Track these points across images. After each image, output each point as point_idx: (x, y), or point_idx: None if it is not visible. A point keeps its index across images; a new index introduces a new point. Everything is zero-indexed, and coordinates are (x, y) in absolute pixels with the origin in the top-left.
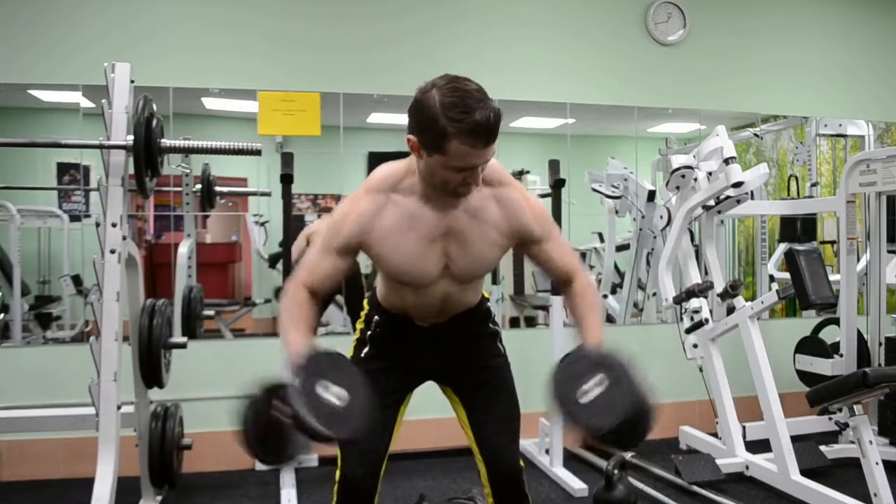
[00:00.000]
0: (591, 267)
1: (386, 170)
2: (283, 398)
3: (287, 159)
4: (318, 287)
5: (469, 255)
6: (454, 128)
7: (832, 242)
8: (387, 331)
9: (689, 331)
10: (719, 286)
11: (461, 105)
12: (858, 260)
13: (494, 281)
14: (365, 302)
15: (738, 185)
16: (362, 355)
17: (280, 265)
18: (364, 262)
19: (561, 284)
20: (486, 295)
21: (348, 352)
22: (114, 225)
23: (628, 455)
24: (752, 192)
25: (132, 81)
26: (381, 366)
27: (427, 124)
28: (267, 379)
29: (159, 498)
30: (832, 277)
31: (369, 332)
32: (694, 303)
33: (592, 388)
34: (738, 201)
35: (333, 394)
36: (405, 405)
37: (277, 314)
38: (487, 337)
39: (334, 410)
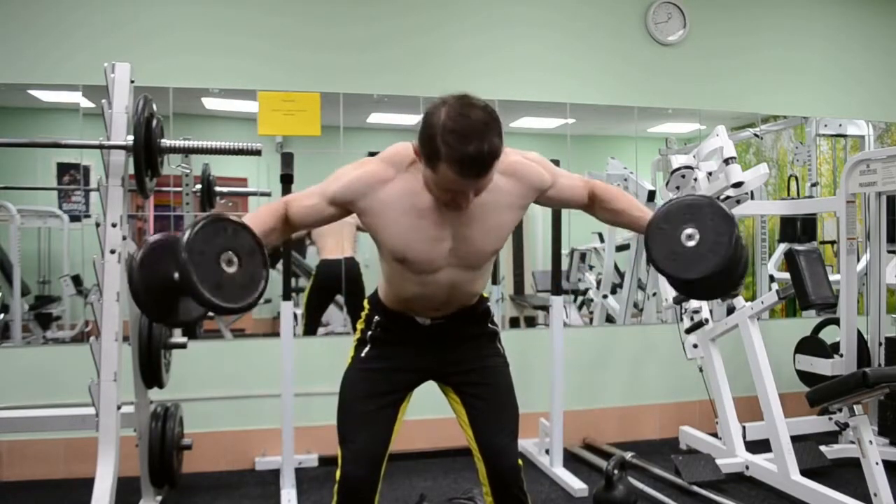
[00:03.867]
0: (591, 267)
1: (402, 147)
2: (179, 253)
3: (287, 159)
4: (295, 215)
5: (479, 233)
6: (445, 153)
7: (832, 242)
8: (387, 331)
9: (689, 331)
10: None
11: (459, 132)
12: (858, 260)
13: (494, 281)
14: (365, 302)
15: (738, 185)
16: (363, 355)
17: (280, 265)
18: (366, 262)
19: (586, 206)
20: (486, 295)
21: (349, 352)
22: (114, 225)
23: (628, 455)
24: (752, 192)
25: (132, 81)
26: (381, 365)
27: (426, 139)
28: (170, 234)
29: (159, 498)
30: (832, 277)
31: (370, 332)
32: (694, 303)
33: (695, 233)
34: (738, 201)
35: (230, 263)
36: (405, 404)
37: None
38: (486, 336)
39: (225, 279)
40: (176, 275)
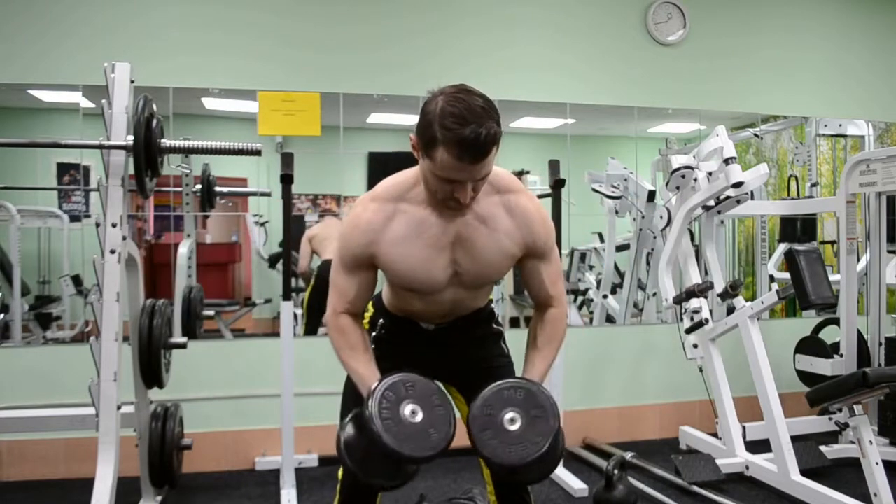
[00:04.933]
0: (591, 267)
1: (394, 179)
2: (370, 426)
3: (287, 159)
4: (353, 308)
5: (478, 262)
6: (442, 136)
7: (832, 242)
8: (392, 333)
9: (689, 331)
10: (719, 286)
11: (457, 116)
12: (858, 260)
13: (495, 281)
14: (369, 304)
15: (738, 185)
16: None
17: (280, 265)
18: None
19: (538, 305)
20: (490, 297)
21: None
22: (114, 225)
23: (628, 455)
24: (752, 192)
25: (132, 81)
26: (385, 367)
27: (423, 127)
28: (359, 410)
29: (159, 498)
30: (832, 277)
31: (374, 334)
32: (694, 303)
33: (517, 420)
34: (738, 201)
35: (411, 412)
36: None
37: (332, 345)
38: (491, 337)
39: (416, 429)
40: (374, 443)
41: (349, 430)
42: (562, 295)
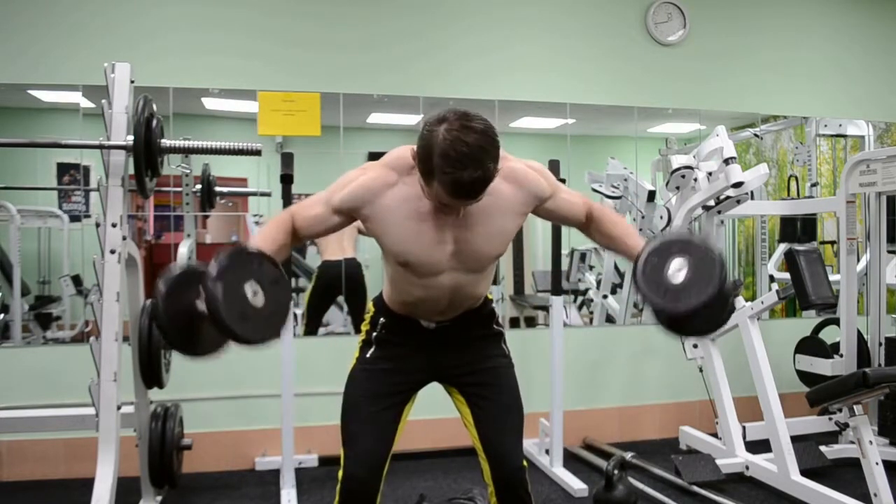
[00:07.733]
0: (591, 267)
1: (404, 151)
2: (205, 283)
3: (287, 159)
4: (302, 226)
5: (480, 237)
6: (439, 176)
7: (832, 242)
8: (392, 332)
9: None
10: None
11: (455, 159)
12: (858, 260)
13: (495, 281)
14: (370, 304)
15: (738, 185)
16: (368, 356)
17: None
18: (367, 262)
19: (582, 225)
20: (490, 296)
21: (353, 353)
22: (114, 225)
23: (628, 455)
24: (752, 193)
25: (132, 81)
26: (386, 367)
27: (424, 155)
28: (193, 264)
29: (159, 498)
30: (832, 277)
31: (375, 334)
32: None
33: (678, 272)
34: (738, 201)
35: (255, 294)
36: (410, 406)
37: None
38: (492, 337)
39: (251, 311)
40: (201, 305)
41: (179, 273)
42: (589, 202)
